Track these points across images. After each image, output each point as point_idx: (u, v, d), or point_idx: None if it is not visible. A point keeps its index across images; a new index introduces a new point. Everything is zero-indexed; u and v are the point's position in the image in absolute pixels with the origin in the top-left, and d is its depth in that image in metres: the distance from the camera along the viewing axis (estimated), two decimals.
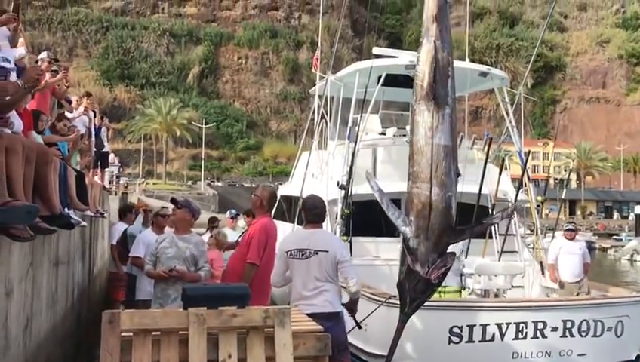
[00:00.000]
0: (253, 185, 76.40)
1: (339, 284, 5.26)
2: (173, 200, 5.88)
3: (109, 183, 18.25)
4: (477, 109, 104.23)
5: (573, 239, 9.48)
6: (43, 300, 5.24)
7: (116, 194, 21.05)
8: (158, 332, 3.37)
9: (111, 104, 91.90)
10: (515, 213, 9.57)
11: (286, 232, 11.76)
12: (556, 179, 77.65)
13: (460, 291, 8.22)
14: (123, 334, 3.32)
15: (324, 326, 3.95)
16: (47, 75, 7.36)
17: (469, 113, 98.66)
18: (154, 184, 72.90)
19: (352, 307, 5.36)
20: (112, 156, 18.26)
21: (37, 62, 7.43)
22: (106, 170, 14.93)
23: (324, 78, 12.47)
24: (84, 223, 6.52)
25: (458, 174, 5.18)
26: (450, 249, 5.26)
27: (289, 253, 5.28)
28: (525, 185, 10.04)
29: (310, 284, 5.16)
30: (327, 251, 5.16)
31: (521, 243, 9.65)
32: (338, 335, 4.83)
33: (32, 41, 8.97)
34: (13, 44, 6.11)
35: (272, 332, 3.48)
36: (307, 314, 4.52)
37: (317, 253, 5.15)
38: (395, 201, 9.92)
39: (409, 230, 5.04)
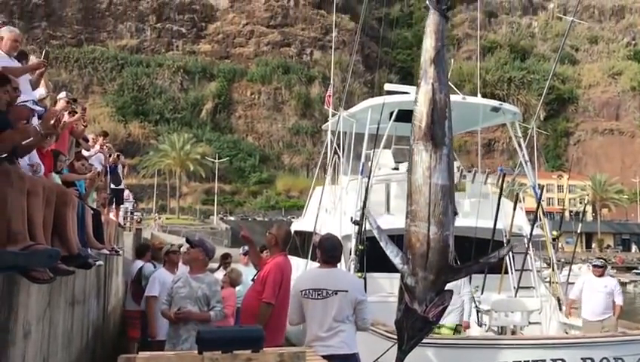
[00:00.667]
0: (266, 219, 76.48)
1: (354, 324, 5.25)
2: (187, 240, 5.93)
3: (124, 219, 18.39)
4: (490, 142, 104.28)
5: (601, 276, 9.24)
6: (59, 340, 5.25)
7: (130, 230, 21.15)
8: None
9: (125, 140, 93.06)
10: (530, 247, 9.51)
11: (299, 268, 11.78)
12: (572, 211, 76.96)
13: (456, 328, 8.09)
14: None
15: None
16: (66, 115, 7.52)
17: (482, 146, 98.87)
18: (167, 219, 73.17)
19: None
20: (126, 192, 18.43)
21: (56, 102, 7.60)
22: (121, 206, 15.06)
23: (336, 114, 12.60)
24: (100, 262, 6.56)
25: (455, 213, 5.26)
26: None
27: (304, 292, 5.26)
28: (540, 220, 9.99)
29: (326, 325, 5.14)
30: (346, 291, 5.17)
31: (538, 279, 9.55)
32: None
33: (50, 79, 9.27)
34: (34, 86, 6.28)
35: None
36: (323, 356, 4.50)
37: (336, 293, 5.15)
38: None
39: (407, 268, 5.12)
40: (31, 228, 3.68)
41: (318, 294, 5.21)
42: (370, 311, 5.29)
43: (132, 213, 25.43)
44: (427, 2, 5.39)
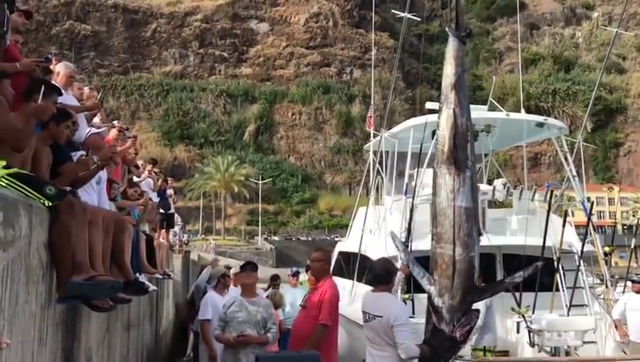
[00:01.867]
0: (309, 239, 76.60)
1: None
2: (250, 263, 6.05)
3: (173, 242, 18.79)
4: (536, 155, 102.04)
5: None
6: None
7: (179, 253, 21.57)
8: None
9: (171, 163, 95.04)
10: (581, 263, 9.29)
11: (345, 288, 11.80)
12: (624, 225, 74.34)
13: (485, 350, 8.00)
14: None
15: None
16: (118, 145, 7.83)
17: (528, 159, 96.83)
18: (213, 240, 74.20)
19: None
20: (175, 216, 18.87)
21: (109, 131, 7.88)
22: (170, 229, 15.43)
23: (378, 134, 12.65)
24: (154, 288, 6.76)
25: (480, 233, 5.41)
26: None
27: (362, 314, 5.48)
28: (591, 235, 9.76)
29: (373, 349, 5.30)
30: (381, 316, 5.25)
31: (591, 296, 9.29)
32: None
33: (104, 108, 9.79)
34: (88, 121, 6.58)
35: None
36: None
37: (375, 318, 5.29)
38: None
39: (434, 289, 5.24)
40: (91, 257, 3.85)
41: (365, 317, 5.39)
42: (409, 336, 5.29)
43: (181, 235, 25.96)
44: (447, 29, 5.56)
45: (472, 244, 5.23)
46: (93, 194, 5.05)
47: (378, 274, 5.49)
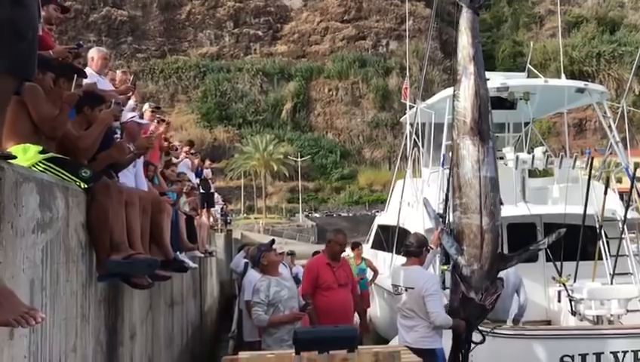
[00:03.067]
0: (350, 215, 76.69)
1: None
2: (273, 241, 6.14)
3: (215, 221, 19.13)
4: (580, 122, 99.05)
5: None
6: (161, 340, 5.62)
7: (221, 232, 21.97)
8: None
9: (211, 145, 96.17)
10: (625, 230, 9.07)
11: (386, 261, 11.84)
12: None
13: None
14: None
15: None
16: (153, 125, 7.99)
17: (573, 126, 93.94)
18: (255, 218, 75.15)
19: (456, 341, 5.43)
20: (215, 195, 19.18)
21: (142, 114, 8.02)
22: (212, 209, 15.72)
23: (414, 106, 12.51)
24: (195, 266, 6.94)
25: (502, 203, 5.52)
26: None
27: (393, 287, 5.72)
28: (635, 202, 9.50)
29: (403, 320, 5.44)
30: (413, 288, 5.39)
31: (636, 264, 9.06)
32: None
33: (138, 90, 10.01)
34: (123, 104, 6.74)
35: None
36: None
37: (406, 290, 5.43)
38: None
39: (462, 259, 5.29)
40: (130, 236, 3.98)
41: (395, 290, 5.58)
42: (440, 305, 5.40)
43: (223, 214, 26.40)
44: (459, 1, 5.54)
45: (498, 213, 5.34)
46: (130, 176, 5.19)
47: (410, 248, 5.58)
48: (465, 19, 5.58)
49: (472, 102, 5.43)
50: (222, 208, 27.05)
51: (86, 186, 3.33)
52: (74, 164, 3.37)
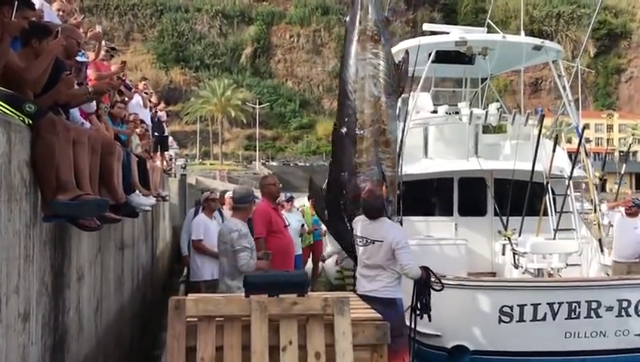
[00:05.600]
0: (307, 164, 76.82)
1: (397, 271, 5.53)
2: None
3: (168, 165, 18.82)
4: (536, 81, 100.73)
5: (633, 215, 9.06)
6: (111, 283, 5.57)
7: (175, 176, 21.68)
8: (222, 318, 3.49)
9: (167, 87, 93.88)
10: (571, 187, 9.37)
11: None
12: (622, 152, 74.49)
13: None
14: (188, 320, 3.45)
15: (379, 312, 4.11)
16: (102, 55, 7.71)
17: (529, 85, 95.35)
18: (210, 164, 74.43)
19: (420, 289, 5.64)
20: (170, 139, 18.81)
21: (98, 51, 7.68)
22: (165, 153, 15.43)
23: None
24: (148, 208, 6.83)
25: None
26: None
27: (356, 238, 5.84)
28: (582, 161, 9.79)
29: (365, 270, 5.57)
30: (381, 241, 5.50)
31: (579, 221, 9.42)
32: (393, 321, 5.06)
33: (91, 26, 9.52)
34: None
35: (331, 320, 3.53)
36: (364, 296, 4.80)
37: (374, 243, 5.53)
38: (448, 180, 9.97)
39: None
40: (78, 176, 3.85)
41: (360, 241, 5.68)
42: (410, 257, 5.50)
43: (177, 159, 26.00)
44: None
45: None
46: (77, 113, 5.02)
47: (379, 208, 5.67)
48: None
49: None
50: (175, 152, 26.64)
51: (30, 122, 3.19)
52: (17, 97, 3.21)
